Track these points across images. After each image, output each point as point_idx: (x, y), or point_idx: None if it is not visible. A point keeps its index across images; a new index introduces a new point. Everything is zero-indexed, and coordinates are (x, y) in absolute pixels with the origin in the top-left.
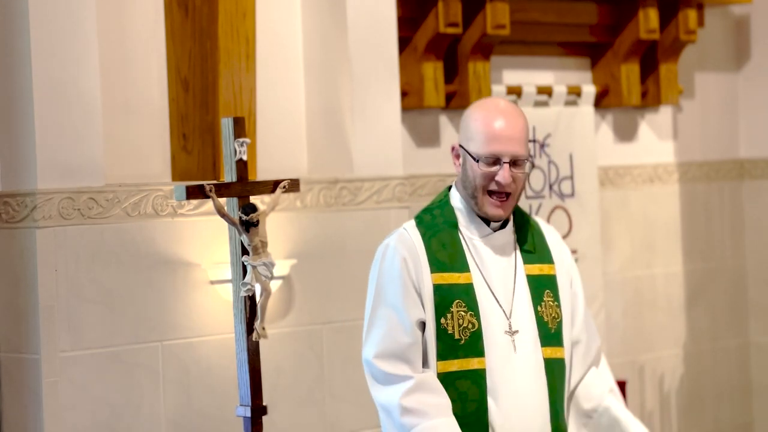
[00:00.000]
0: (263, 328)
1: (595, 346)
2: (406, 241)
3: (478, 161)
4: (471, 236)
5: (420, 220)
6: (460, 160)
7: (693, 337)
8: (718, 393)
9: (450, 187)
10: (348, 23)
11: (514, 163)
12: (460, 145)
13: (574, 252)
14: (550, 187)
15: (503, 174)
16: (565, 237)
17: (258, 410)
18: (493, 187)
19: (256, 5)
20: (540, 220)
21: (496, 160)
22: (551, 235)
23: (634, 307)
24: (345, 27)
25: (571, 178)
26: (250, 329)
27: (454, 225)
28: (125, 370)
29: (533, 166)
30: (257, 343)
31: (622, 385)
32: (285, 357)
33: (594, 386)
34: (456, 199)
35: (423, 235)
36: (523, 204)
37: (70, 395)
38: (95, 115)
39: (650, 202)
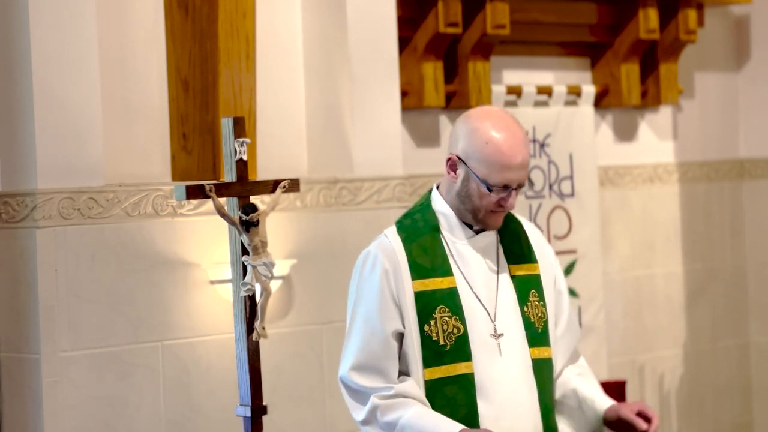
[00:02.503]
0: (263, 328)
1: (575, 344)
2: (387, 248)
3: (489, 189)
4: (453, 239)
5: (401, 226)
6: (459, 172)
7: (693, 337)
8: (718, 393)
9: (431, 191)
10: (348, 23)
11: (519, 185)
12: (461, 159)
13: (573, 252)
14: (550, 187)
15: (511, 201)
16: (565, 237)
17: (258, 410)
18: (497, 208)
19: (256, 5)
20: (522, 219)
21: (506, 187)
22: (533, 233)
23: (634, 307)
24: (345, 27)
25: (571, 178)
26: (250, 329)
27: (436, 229)
28: (125, 370)
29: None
30: (257, 343)
31: (622, 385)
32: (285, 357)
33: (564, 378)
34: (439, 203)
35: (404, 241)
36: (523, 204)
37: (70, 395)
38: (95, 115)
39: (650, 202)
